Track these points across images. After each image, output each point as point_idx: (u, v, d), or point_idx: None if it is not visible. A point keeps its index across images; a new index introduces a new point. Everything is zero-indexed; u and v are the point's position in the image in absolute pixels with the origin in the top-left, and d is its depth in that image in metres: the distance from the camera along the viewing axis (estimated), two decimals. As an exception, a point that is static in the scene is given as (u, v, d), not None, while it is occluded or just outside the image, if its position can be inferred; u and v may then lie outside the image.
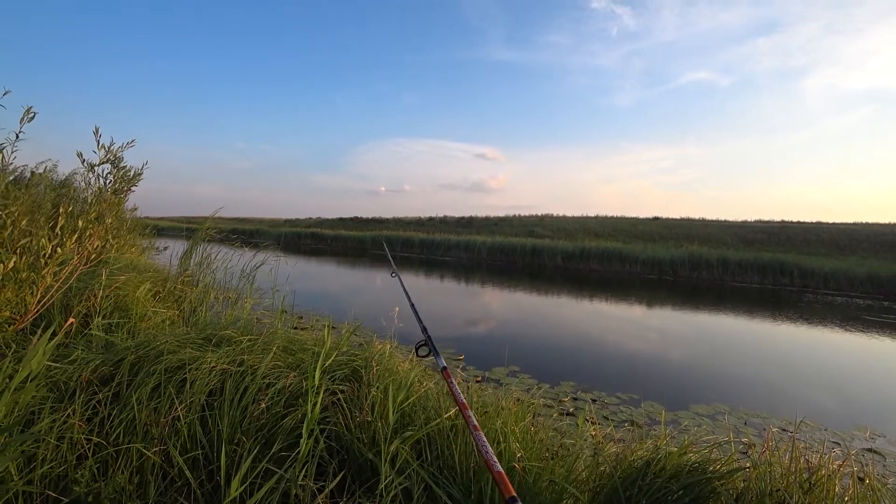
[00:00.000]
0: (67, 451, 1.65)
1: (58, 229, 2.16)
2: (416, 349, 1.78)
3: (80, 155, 2.43)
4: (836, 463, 1.83)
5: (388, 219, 41.68)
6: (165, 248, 9.47)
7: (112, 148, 2.51)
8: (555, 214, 37.84)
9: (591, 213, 37.27)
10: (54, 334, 1.75)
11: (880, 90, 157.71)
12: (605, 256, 20.14)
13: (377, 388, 2.05)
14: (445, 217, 38.55)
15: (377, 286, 13.09)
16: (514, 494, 0.86)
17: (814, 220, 30.33)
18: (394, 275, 2.79)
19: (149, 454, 1.66)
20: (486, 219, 36.50)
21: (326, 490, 1.57)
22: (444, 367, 1.52)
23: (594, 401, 4.54)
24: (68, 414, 1.72)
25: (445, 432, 1.92)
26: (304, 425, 1.66)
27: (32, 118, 2.15)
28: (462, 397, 1.25)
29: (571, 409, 4.20)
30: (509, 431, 1.95)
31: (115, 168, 2.67)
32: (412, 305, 2.18)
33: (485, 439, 1.05)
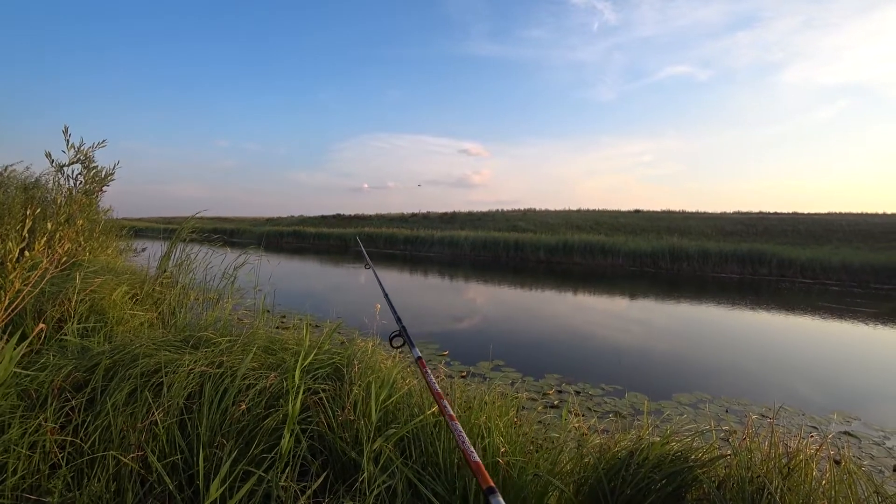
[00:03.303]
0: (40, 460, 1.60)
1: (25, 232, 2.09)
2: (391, 340, 1.77)
3: (48, 155, 2.35)
4: (814, 447, 1.87)
5: (371, 215, 41.46)
6: (143, 250, 9.26)
7: (82, 148, 2.43)
8: (538, 209, 38.01)
9: (574, 207, 37.49)
10: (22, 339, 1.70)
11: (854, 85, 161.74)
12: (588, 250, 20.32)
13: (359, 386, 2.03)
14: (428, 213, 38.42)
15: (359, 283, 13.01)
16: (492, 485, 0.85)
17: (790, 211, 31.00)
18: (367, 266, 2.83)
19: (125, 460, 1.62)
20: (469, 214, 36.50)
21: (309, 491, 1.55)
22: (419, 357, 1.51)
23: (578, 393, 4.58)
24: (40, 422, 1.67)
25: (429, 429, 1.91)
26: (286, 424, 1.64)
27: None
28: (437, 387, 1.24)
29: (556, 402, 4.23)
30: (493, 426, 1.94)
31: (85, 168, 2.59)
32: (386, 295, 2.17)
33: (461, 429, 1.04)
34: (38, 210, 2.33)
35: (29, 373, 1.89)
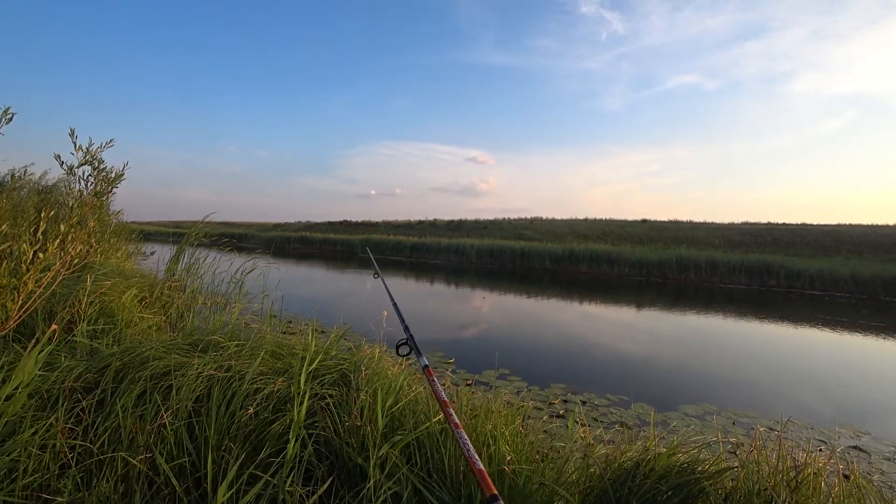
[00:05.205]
0: (50, 460, 1.62)
1: (39, 234, 2.12)
2: (398, 348, 1.77)
3: (57, 157, 2.39)
4: (822, 461, 1.85)
5: (377, 222, 41.57)
6: (153, 253, 9.34)
7: (91, 149, 2.47)
8: (544, 217, 37.98)
9: (581, 216, 37.38)
10: (37, 341, 1.72)
11: (864, 95, 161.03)
12: (594, 259, 20.24)
13: (366, 392, 2.04)
14: (435, 220, 38.45)
15: (366, 290, 13.03)
16: (495, 492, 0.86)
17: (799, 222, 30.75)
18: (376, 276, 2.83)
19: (134, 462, 1.64)
20: (476, 222, 36.50)
21: (314, 496, 1.56)
22: (426, 366, 1.52)
23: (584, 403, 4.56)
24: (51, 423, 1.69)
25: (435, 436, 1.91)
26: (292, 430, 1.65)
27: (10, 119, 2.11)
28: (444, 395, 1.24)
29: (562, 412, 4.21)
30: (499, 434, 1.94)
31: (94, 170, 2.63)
32: (394, 304, 2.18)
33: (466, 437, 1.05)
34: (52, 213, 2.37)
35: (42, 373, 1.92)
